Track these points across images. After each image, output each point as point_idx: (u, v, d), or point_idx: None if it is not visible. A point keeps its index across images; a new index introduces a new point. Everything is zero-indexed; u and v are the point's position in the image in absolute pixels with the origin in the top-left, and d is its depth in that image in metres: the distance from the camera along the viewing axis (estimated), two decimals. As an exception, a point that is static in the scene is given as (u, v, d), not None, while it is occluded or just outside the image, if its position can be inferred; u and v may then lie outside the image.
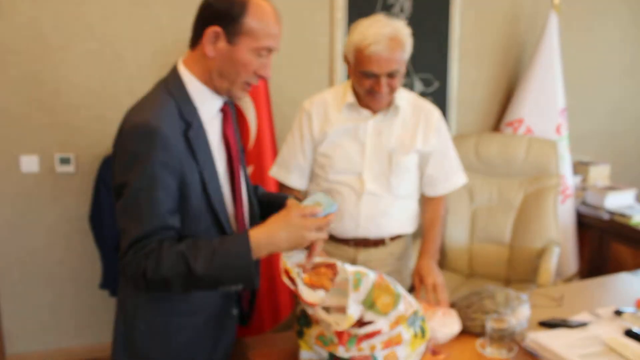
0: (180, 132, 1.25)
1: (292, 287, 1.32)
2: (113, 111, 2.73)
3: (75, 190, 2.85)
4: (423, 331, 1.35)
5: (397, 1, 3.20)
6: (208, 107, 1.34)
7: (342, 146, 1.90)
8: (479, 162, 3.04)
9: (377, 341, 1.27)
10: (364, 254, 1.95)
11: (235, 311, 1.48)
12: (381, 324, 1.26)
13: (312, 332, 1.34)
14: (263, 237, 1.26)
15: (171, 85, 1.32)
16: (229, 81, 1.30)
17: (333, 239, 1.97)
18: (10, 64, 2.66)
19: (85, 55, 2.75)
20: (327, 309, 1.29)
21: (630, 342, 1.49)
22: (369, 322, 1.26)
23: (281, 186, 2.04)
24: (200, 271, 1.20)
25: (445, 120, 3.42)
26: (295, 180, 2.00)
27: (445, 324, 1.55)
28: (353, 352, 1.27)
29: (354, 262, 1.95)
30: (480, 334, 1.57)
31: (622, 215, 3.20)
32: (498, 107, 3.62)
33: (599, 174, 3.65)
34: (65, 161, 2.80)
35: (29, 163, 2.76)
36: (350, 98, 1.88)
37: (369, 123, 1.88)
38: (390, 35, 1.71)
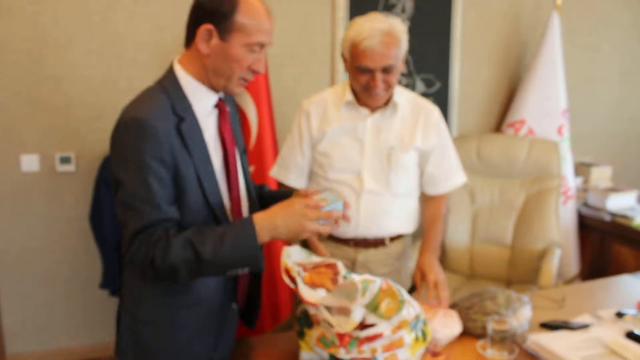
0: (173, 126, 1.28)
1: (292, 286, 1.32)
2: (113, 110, 2.70)
3: (76, 190, 2.84)
4: (424, 334, 1.35)
5: (398, 1, 3.19)
6: (203, 103, 1.37)
7: (341, 145, 1.90)
8: (480, 163, 3.03)
9: (378, 344, 1.26)
10: (363, 254, 1.95)
11: (235, 305, 1.49)
12: (383, 327, 1.25)
13: (313, 333, 1.33)
14: (265, 222, 1.29)
15: (166, 83, 1.36)
16: (225, 77, 1.34)
17: (333, 239, 1.97)
18: (11, 63, 2.66)
19: (85, 54, 2.75)
20: (329, 309, 1.28)
21: (632, 344, 1.48)
22: (371, 325, 1.25)
23: (280, 186, 2.05)
24: (209, 256, 1.23)
25: (446, 121, 3.43)
26: (294, 179, 2.00)
27: (446, 325, 1.54)
28: (354, 354, 1.26)
29: (353, 262, 1.95)
30: (481, 335, 1.56)
31: (624, 217, 3.19)
32: (500, 108, 3.62)
33: (601, 175, 3.64)
34: (65, 160, 2.79)
35: (30, 162, 2.76)
36: (349, 96, 1.88)
37: (368, 121, 1.88)
38: (384, 30, 1.72)
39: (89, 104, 2.79)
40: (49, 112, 2.75)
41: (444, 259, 3.00)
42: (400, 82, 3.28)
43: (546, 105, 3.28)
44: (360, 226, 1.90)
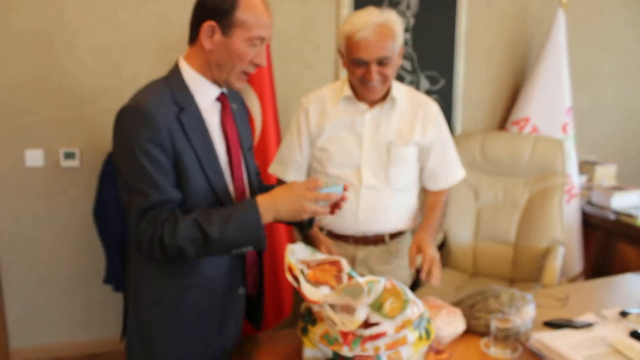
0: (173, 115, 1.35)
1: (295, 284, 1.32)
2: (118, 106, 2.68)
3: (80, 185, 2.85)
4: (428, 332, 1.35)
5: (403, -2, 3.19)
6: (205, 96, 1.43)
7: (339, 140, 1.90)
8: (484, 161, 3.03)
9: (381, 343, 1.26)
10: (363, 251, 1.95)
11: (242, 290, 1.52)
12: (387, 326, 1.26)
13: (317, 331, 1.34)
14: (268, 203, 1.36)
15: (170, 76, 1.43)
16: (227, 71, 1.41)
17: (333, 236, 1.97)
18: (16, 57, 2.66)
19: (91, 50, 2.75)
20: (332, 307, 1.28)
21: (636, 344, 1.48)
22: (375, 324, 1.25)
23: (279, 182, 2.05)
24: (215, 235, 1.29)
25: (450, 118, 3.43)
26: (293, 175, 2.00)
27: (450, 323, 1.54)
28: (357, 352, 1.26)
29: (353, 260, 1.95)
30: (484, 333, 1.56)
31: (628, 216, 3.18)
32: (504, 106, 3.60)
33: (605, 174, 3.63)
34: (70, 156, 2.80)
35: (34, 157, 2.77)
36: (347, 91, 1.88)
37: (366, 116, 1.88)
38: (378, 22, 1.72)
39: (94, 99, 2.79)
40: (54, 108, 2.75)
41: (447, 256, 3.00)
42: (404, 79, 3.28)
43: (551, 103, 3.27)
44: (359, 221, 1.90)
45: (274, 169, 2.06)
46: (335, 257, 1.47)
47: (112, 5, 2.74)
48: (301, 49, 3.08)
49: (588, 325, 1.60)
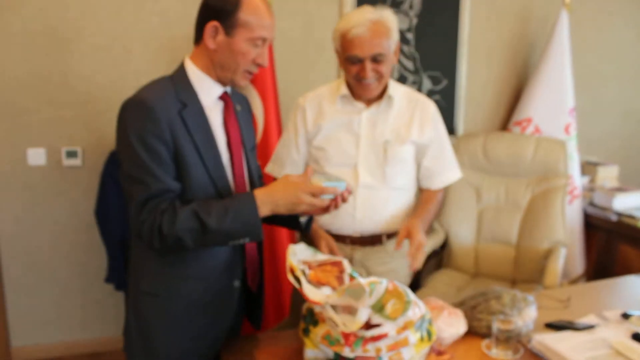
0: (175, 111, 1.38)
1: (297, 285, 1.32)
2: (119, 109, 2.73)
3: (82, 184, 2.85)
4: (429, 334, 1.35)
5: (406, -2, 3.18)
6: (208, 93, 1.48)
7: (336, 139, 1.90)
8: (486, 162, 3.02)
9: (383, 344, 1.26)
10: (360, 252, 1.94)
11: (237, 283, 1.54)
12: (388, 328, 1.25)
13: (319, 331, 1.33)
14: (265, 196, 1.40)
15: (175, 75, 1.48)
16: (231, 71, 1.45)
17: (330, 236, 1.96)
18: (18, 57, 2.67)
19: (93, 49, 2.75)
20: (334, 308, 1.28)
21: (638, 346, 1.47)
22: (377, 325, 1.25)
23: None
24: (213, 226, 1.33)
25: (452, 119, 3.42)
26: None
27: (451, 324, 1.54)
28: (358, 352, 1.26)
29: (350, 260, 1.95)
30: (486, 334, 1.56)
31: (630, 217, 3.17)
32: (506, 106, 3.60)
33: (608, 175, 3.62)
34: (72, 154, 2.80)
35: (36, 156, 2.77)
36: (344, 90, 1.89)
37: (363, 115, 1.88)
38: (372, 19, 1.73)
39: (96, 99, 2.80)
40: (56, 106, 2.75)
41: (448, 257, 2.99)
42: (407, 79, 3.28)
43: (553, 104, 3.27)
44: (356, 221, 1.90)
45: (271, 169, 2.07)
46: (337, 258, 1.47)
47: (113, 5, 2.74)
48: (304, 49, 3.07)
49: (590, 327, 1.60)
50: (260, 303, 1.69)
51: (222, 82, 1.49)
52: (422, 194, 2.04)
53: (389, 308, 1.25)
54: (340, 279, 1.39)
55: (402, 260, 2.03)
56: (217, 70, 1.46)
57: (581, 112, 3.61)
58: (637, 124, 4.01)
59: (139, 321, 1.51)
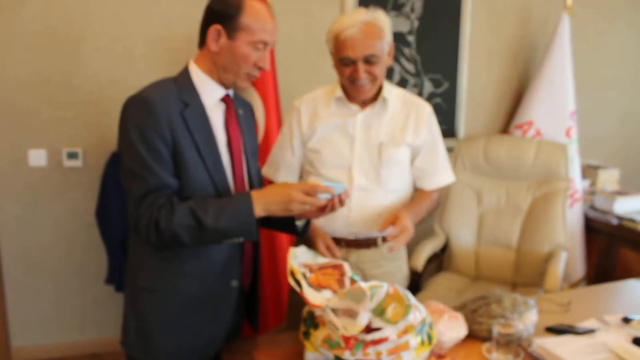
0: (177, 110, 1.42)
1: (297, 288, 1.32)
2: (121, 106, 2.74)
3: (83, 185, 2.85)
4: (430, 337, 1.35)
5: (407, 0, 3.18)
6: (210, 95, 1.51)
7: (331, 141, 1.90)
8: (487, 165, 3.02)
9: (383, 348, 1.26)
10: (355, 255, 1.93)
11: (235, 283, 1.56)
12: (389, 331, 1.25)
13: (319, 334, 1.33)
14: (258, 194, 1.43)
15: (179, 76, 1.52)
16: (233, 73, 1.49)
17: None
18: (20, 58, 2.67)
19: (94, 50, 2.76)
20: (335, 311, 1.28)
21: (638, 351, 1.47)
22: (377, 329, 1.25)
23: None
24: (210, 224, 1.36)
25: (453, 121, 3.42)
26: (284, 177, 2.00)
27: (452, 328, 1.53)
28: (359, 356, 1.26)
29: None
30: (486, 338, 1.56)
31: (631, 221, 3.17)
32: (507, 109, 3.60)
33: (609, 178, 3.62)
34: (72, 156, 2.80)
35: (37, 157, 2.77)
36: (339, 93, 1.89)
37: (358, 117, 1.88)
38: (365, 20, 1.73)
39: (97, 100, 2.80)
40: (57, 108, 2.76)
41: (449, 260, 2.99)
42: (408, 82, 3.28)
43: (554, 107, 3.26)
44: (351, 223, 1.89)
45: (266, 171, 2.07)
46: (337, 261, 1.47)
47: (114, 6, 2.74)
48: (305, 52, 3.07)
49: (590, 331, 1.60)
50: (257, 304, 1.71)
51: (225, 85, 1.52)
52: (416, 192, 2.03)
53: (390, 312, 1.25)
54: (341, 282, 1.39)
55: (397, 263, 2.03)
56: (220, 73, 1.49)
57: (582, 115, 3.61)
58: (638, 127, 4.01)
59: (136, 316, 1.53)
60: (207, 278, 1.51)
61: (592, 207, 3.45)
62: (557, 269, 2.57)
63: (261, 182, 1.73)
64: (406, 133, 1.89)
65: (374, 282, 1.29)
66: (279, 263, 2.80)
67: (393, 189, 1.91)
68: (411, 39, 3.24)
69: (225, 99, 1.55)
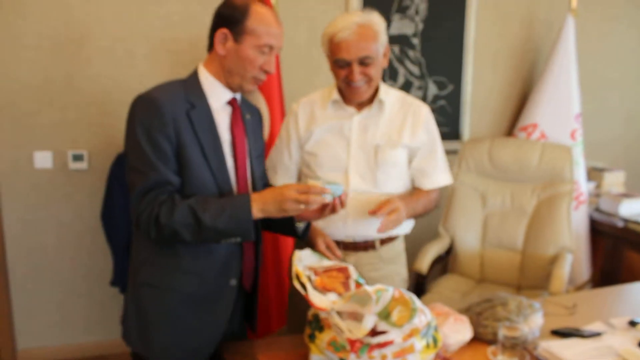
0: (183, 110, 1.46)
1: (302, 291, 1.32)
2: (125, 108, 2.69)
3: (88, 187, 2.86)
4: (435, 340, 1.35)
5: (412, 3, 3.18)
6: (217, 97, 1.55)
7: (327, 143, 1.89)
8: (492, 167, 3.02)
9: (388, 351, 1.26)
10: (353, 257, 1.92)
11: (233, 282, 1.58)
12: (394, 335, 1.25)
13: (324, 337, 1.33)
14: (256, 196, 1.46)
15: (187, 78, 1.56)
16: (239, 76, 1.52)
17: None
18: (24, 60, 2.68)
19: (98, 52, 2.76)
20: (340, 314, 1.28)
21: (645, 354, 1.47)
22: (382, 332, 1.25)
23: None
24: (208, 223, 1.40)
25: (458, 124, 3.42)
26: (282, 180, 1.99)
27: (457, 331, 1.53)
28: (364, 359, 1.26)
29: None
30: (492, 341, 1.56)
31: (637, 223, 3.16)
32: (512, 111, 3.60)
33: (614, 181, 3.61)
34: (78, 158, 2.81)
35: (43, 159, 2.78)
36: (335, 95, 1.89)
37: (354, 119, 1.88)
38: (359, 22, 1.73)
39: (101, 102, 2.81)
40: (62, 110, 2.77)
41: (454, 262, 2.99)
42: (412, 84, 3.28)
43: (559, 110, 3.26)
44: (348, 226, 1.88)
45: None
46: (343, 264, 1.47)
47: (117, 8, 2.75)
48: (309, 54, 3.08)
49: (596, 335, 1.59)
50: (256, 305, 1.73)
51: (232, 88, 1.56)
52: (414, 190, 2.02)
53: (395, 315, 1.25)
54: (346, 285, 1.39)
55: (396, 267, 2.01)
56: (227, 76, 1.53)
57: (587, 117, 3.60)
58: (643, 129, 4.01)
59: (137, 311, 1.56)
60: (206, 275, 1.54)
61: (598, 210, 3.44)
62: (563, 272, 2.56)
63: (265, 185, 1.74)
64: (403, 134, 1.87)
65: (379, 286, 1.29)
66: (282, 266, 2.80)
67: (390, 191, 1.90)
68: (416, 41, 3.24)
69: (231, 102, 1.58)
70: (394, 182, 1.90)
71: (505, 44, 3.48)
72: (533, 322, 1.56)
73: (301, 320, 1.96)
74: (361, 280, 1.43)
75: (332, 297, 1.33)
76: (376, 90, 1.88)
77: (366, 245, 1.92)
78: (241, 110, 1.62)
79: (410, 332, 1.26)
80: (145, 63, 2.83)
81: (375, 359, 1.26)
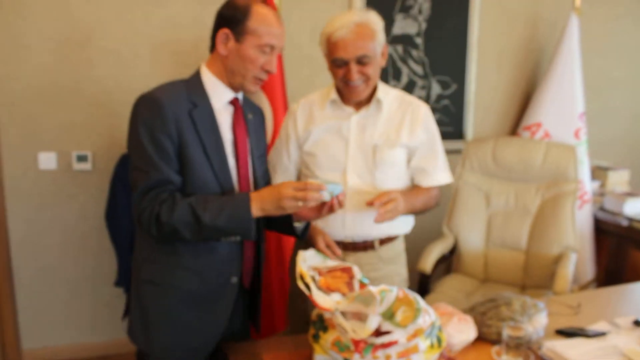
0: (185, 110, 1.48)
1: (306, 292, 1.32)
2: (129, 109, 2.71)
3: (92, 188, 2.87)
4: (439, 340, 1.34)
5: (415, 2, 3.18)
6: (219, 97, 1.57)
7: (325, 144, 1.89)
8: (496, 166, 3.01)
9: (392, 351, 1.26)
10: (352, 257, 1.91)
11: (234, 279, 1.59)
12: (398, 335, 1.25)
13: (328, 337, 1.34)
14: (255, 195, 1.47)
15: (190, 79, 1.58)
16: (241, 76, 1.54)
17: None
18: (29, 62, 2.69)
19: (102, 53, 2.77)
20: (344, 314, 1.28)
21: (650, 354, 1.46)
22: (387, 332, 1.25)
23: None
24: (208, 222, 1.41)
25: (462, 123, 3.41)
26: (280, 180, 1.99)
27: (461, 330, 1.53)
28: (368, 359, 1.26)
29: None
30: (496, 341, 1.56)
31: (641, 222, 3.15)
32: (516, 111, 3.59)
33: (618, 180, 3.60)
34: (82, 159, 2.82)
35: (47, 160, 2.79)
36: (333, 95, 1.89)
37: (353, 119, 1.88)
38: (357, 21, 1.73)
39: (106, 103, 2.81)
40: (66, 111, 2.77)
41: (458, 262, 2.98)
42: (416, 84, 3.28)
43: (563, 109, 3.25)
44: (346, 226, 1.87)
45: None
46: (346, 264, 1.48)
47: (123, 10, 2.76)
48: (312, 54, 3.07)
49: (601, 334, 1.59)
50: (259, 304, 1.74)
51: (233, 88, 1.58)
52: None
53: (399, 315, 1.25)
54: (350, 285, 1.40)
55: (395, 267, 2.01)
56: (229, 76, 1.55)
57: (591, 116, 3.59)
58: (647, 128, 3.99)
59: (140, 308, 1.59)
60: (206, 273, 1.55)
61: (602, 209, 3.43)
62: (567, 271, 2.56)
63: (267, 184, 1.75)
64: (401, 134, 1.87)
65: (383, 286, 1.29)
66: (286, 266, 2.80)
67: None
68: (419, 41, 3.24)
69: (233, 102, 1.60)
70: (393, 182, 1.89)
71: (508, 43, 3.47)
72: (537, 321, 1.56)
73: (301, 320, 1.96)
74: (365, 281, 1.43)
75: (336, 297, 1.33)
76: (374, 90, 1.88)
77: (365, 246, 1.92)
78: (243, 110, 1.63)
79: (415, 332, 1.26)
80: (148, 64, 2.84)
81: (379, 359, 1.26)
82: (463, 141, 3.43)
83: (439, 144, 1.96)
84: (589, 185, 3.33)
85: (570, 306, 1.83)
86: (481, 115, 3.50)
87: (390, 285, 1.58)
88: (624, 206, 3.27)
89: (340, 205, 1.58)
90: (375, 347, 1.26)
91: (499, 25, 3.42)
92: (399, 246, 2.03)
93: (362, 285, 1.42)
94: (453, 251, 2.97)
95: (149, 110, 1.45)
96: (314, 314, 1.44)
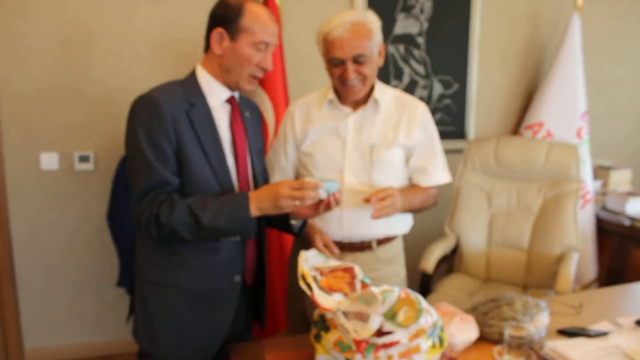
0: (182, 110, 1.48)
1: (308, 292, 1.32)
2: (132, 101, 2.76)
3: (94, 188, 2.87)
4: (441, 340, 1.34)
5: (417, 2, 3.18)
6: (215, 96, 1.57)
7: (323, 144, 1.89)
8: (498, 166, 3.01)
9: (394, 351, 1.26)
10: (350, 258, 1.91)
11: (237, 278, 1.59)
12: (400, 335, 1.25)
13: (330, 337, 1.34)
14: (254, 194, 1.47)
15: (186, 79, 1.59)
16: (236, 74, 1.55)
17: None
18: (31, 62, 2.69)
19: (104, 54, 2.78)
20: (346, 314, 1.28)
21: (652, 353, 1.46)
22: (388, 332, 1.25)
23: None
24: (207, 222, 1.41)
25: (464, 123, 3.40)
26: (278, 180, 1.99)
27: (463, 330, 1.53)
28: (370, 359, 1.26)
29: None
30: (498, 341, 1.56)
31: (643, 222, 3.15)
32: (518, 110, 3.59)
33: (620, 179, 3.59)
34: (84, 159, 2.83)
35: (49, 160, 2.80)
36: (330, 95, 1.89)
37: (350, 119, 1.87)
38: (353, 21, 1.73)
39: (107, 103, 2.82)
40: (68, 111, 2.78)
41: (460, 262, 2.98)
42: (418, 83, 3.27)
43: (565, 108, 3.24)
44: (344, 226, 1.87)
45: None
46: (348, 264, 1.47)
47: (124, 11, 2.76)
48: (314, 54, 3.06)
49: (603, 334, 1.59)
50: (263, 301, 1.75)
51: (229, 87, 1.59)
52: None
53: (401, 316, 1.25)
54: (352, 285, 1.40)
55: (393, 267, 2.00)
56: (224, 75, 1.56)
57: (593, 115, 3.58)
58: (650, 128, 3.98)
59: (143, 308, 1.59)
60: (208, 273, 1.56)
61: (604, 208, 3.42)
62: (569, 271, 2.55)
63: (266, 182, 1.75)
64: (399, 134, 1.86)
65: (385, 286, 1.29)
66: (287, 265, 2.80)
67: None
68: (421, 40, 3.24)
69: (230, 100, 1.61)
70: (390, 182, 1.88)
71: (510, 42, 3.47)
72: (539, 321, 1.56)
73: (299, 320, 1.96)
74: (367, 281, 1.43)
75: (338, 297, 1.33)
76: (372, 89, 1.88)
77: (362, 246, 1.91)
78: (240, 108, 1.64)
79: (416, 333, 1.26)
80: (150, 64, 2.85)
81: (381, 359, 1.26)
82: (465, 141, 3.43)
83: (437, 144, 1.96)
84: (591, 185, 3.32)
85: (572, 306, 1.83)
86: (483, 114, 3.50)
87: (382, 284, 1.58)
88: (626, 206, 3.26)
89: (337, 202, 1.58)
90: (377, 347, 1.26)
91: (501, 25, 3.41)
92: (397, 246, 2.02)
93: (364, 285, 1.42)
94: (455, 251, 2.97)
95: (146, 112, 1.45)
96: (316, 314, 1.44)
